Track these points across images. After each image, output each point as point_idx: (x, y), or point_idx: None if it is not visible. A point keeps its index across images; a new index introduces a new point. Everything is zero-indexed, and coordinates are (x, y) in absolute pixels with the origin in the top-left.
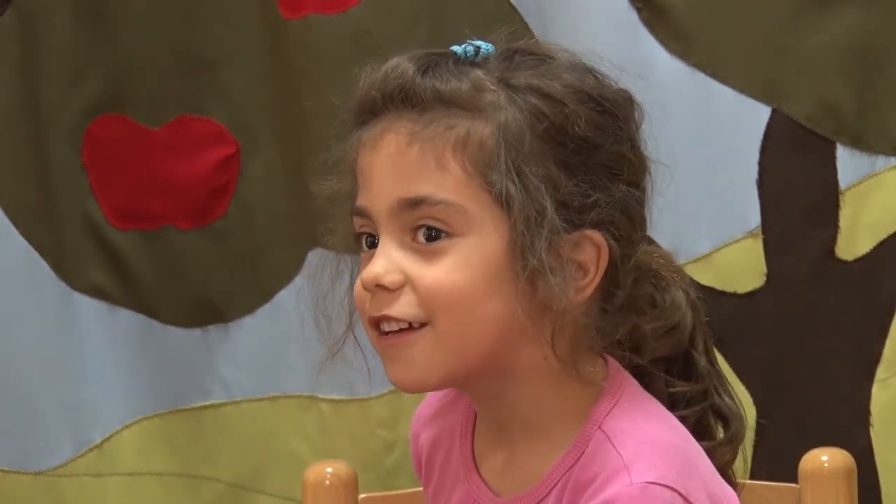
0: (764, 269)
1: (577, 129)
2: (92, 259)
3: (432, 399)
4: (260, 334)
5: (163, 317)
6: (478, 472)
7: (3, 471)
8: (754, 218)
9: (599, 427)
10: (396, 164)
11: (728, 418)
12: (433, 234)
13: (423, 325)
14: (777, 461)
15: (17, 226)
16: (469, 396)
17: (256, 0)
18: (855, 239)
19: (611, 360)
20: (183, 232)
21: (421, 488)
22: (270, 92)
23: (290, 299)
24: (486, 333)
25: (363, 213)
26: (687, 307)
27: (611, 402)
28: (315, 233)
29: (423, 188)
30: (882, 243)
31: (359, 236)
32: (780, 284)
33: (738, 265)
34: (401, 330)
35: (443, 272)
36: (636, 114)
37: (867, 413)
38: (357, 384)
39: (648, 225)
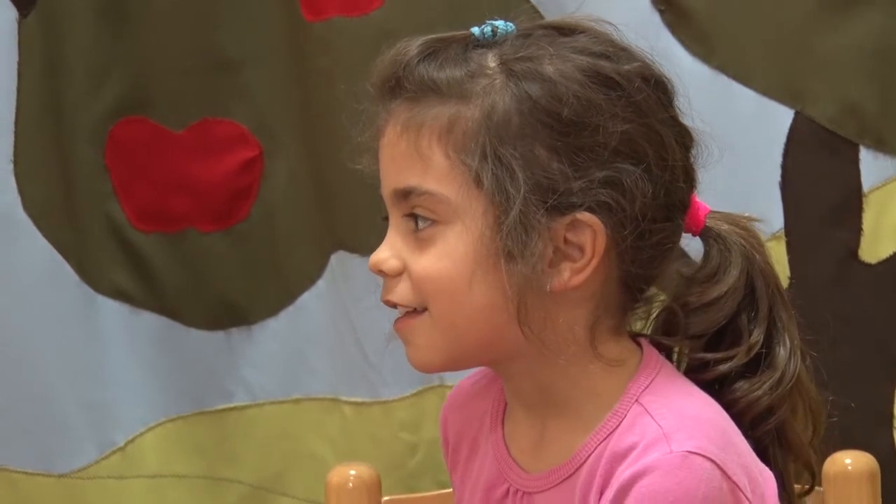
0: (787, 271)
1: (566, 110)
2: (114, 261)
3: (465, 385)
4: (283, 336)
5: (185, 319)
6: (508, 453)
7: (26, 473)
8: (777, 220)
9: (636, 401)
10: (391, 153)
11: (774, 370)
12: (422, 222)
13: (425, 309)
14: None
15: (40, 228)
16: (502, 378)
17: (279, 2)
18: (878, 241)
19: (644, 342)
20: (205, 234)
21: (444, 491)
22: (293, 94)
23: (313, 301)
24: (477, 318)
25: (382, 198)
26: (739, 277)
27: (647, 379)
28: (338, 235)
29: (410, 179)
30: None
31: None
32: (803, 287)
33: None
34: (407, 313)
35: (430, 261)
36: (657, 90)
37: (890, 415)
38: (380, 387)
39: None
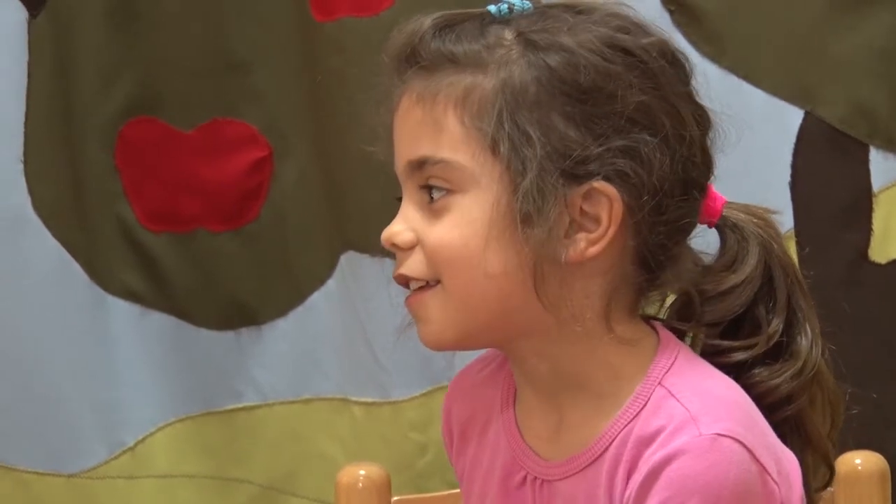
0: None
1: (582, 77)
2: (124, 261)
3: (469, 371)
4: (292, 337)
5: (195, 319)
6: (523, 440)
7: (36, 473)
8: (787, 220)
9: (659, 383)
10: (406, 125)
11: (795, 354)
12: (437, 193)
13: (438, 282)
14: None
15: (49, 228)
16: (512, 360)
17: (289, 3)
18: (888, 242)
19: (658, 325)
20: (215, 234)
21: (453, 491)
22: (303, 95)
23: (323, 302)
24: (491, 289)
25: (396, 177)
26: (756, 266)
27: (668, 361)
28: (348, 235)
29: (424, 148)
30: None
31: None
32: (813, 287)
33: None
34: (419, 288)
35: (444, 230)
36: (674, 66)
37: None
38: (389, 387)
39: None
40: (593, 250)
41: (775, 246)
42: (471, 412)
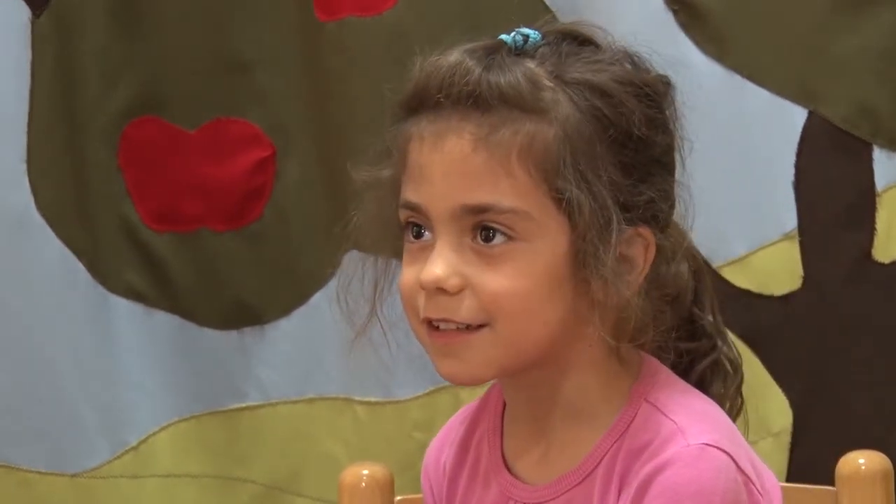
0: (800, 271)
1: (636, 129)
2: (128, 261)
3: (452, 424)
4: (295, 336)
5: (199, 319)
6: (510, 472)
7: (39, 472)
8: (791, 220)
9: (645, 400)
10: (461, 168)
11: (731, 368)
12: (492, 236)
13: (480, 326)
14: (813, 464)
15: (53, 228)
16: (511, 389)
17: (292, 2)
18: (891, 241)
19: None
20: (219, 234)
21: None
22: (306, 94)
23: (326, 301)
24: (544, 334)
25: (415, 209)
26: (689, 276)
27: (652, 379)
28: (351, 235)
29: (489, 196)
30: None
31: (406, 225)
32: (817, 287)
33: (775, 268)
34: (457, 329)
35: (507, 278)
36: (672, 97)
37: None
38: (392, 386)
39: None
40: (632, 291)
41: (693, 249)
42: (457, 459)
